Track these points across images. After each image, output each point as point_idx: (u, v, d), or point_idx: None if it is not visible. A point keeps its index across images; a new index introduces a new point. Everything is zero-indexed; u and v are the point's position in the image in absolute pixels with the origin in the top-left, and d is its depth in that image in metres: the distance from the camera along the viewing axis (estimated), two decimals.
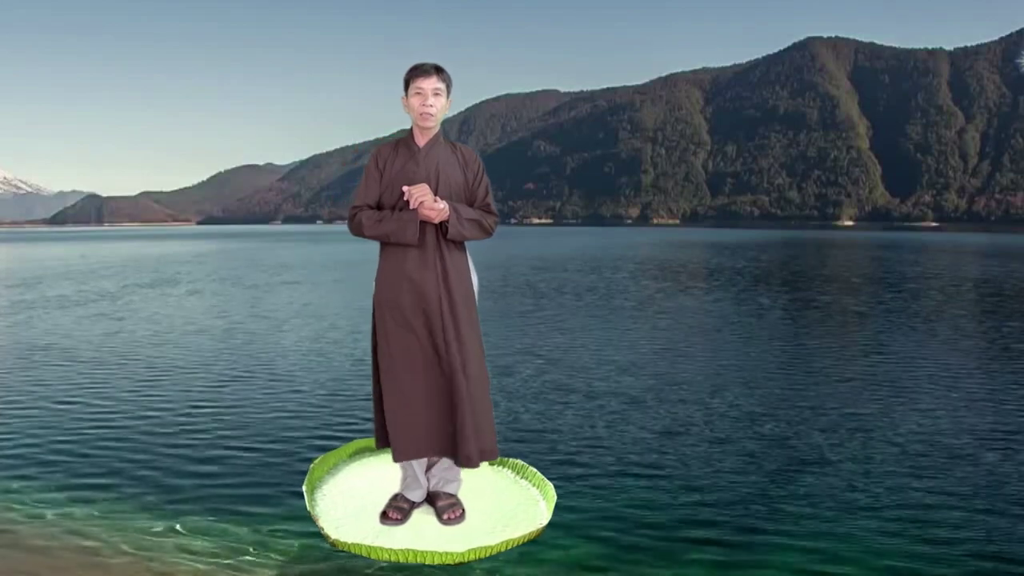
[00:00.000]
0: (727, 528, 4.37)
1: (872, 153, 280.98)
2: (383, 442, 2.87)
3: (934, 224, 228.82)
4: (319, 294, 18.80)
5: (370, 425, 2.77)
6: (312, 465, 3.04)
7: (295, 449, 5.81)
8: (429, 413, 2.73)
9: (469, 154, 2.89)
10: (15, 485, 5.10)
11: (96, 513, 4.63)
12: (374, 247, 2.78)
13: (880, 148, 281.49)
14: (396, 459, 2.77)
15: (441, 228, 2.75)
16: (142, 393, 7.73)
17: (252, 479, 5.21)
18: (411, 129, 2.86)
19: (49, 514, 4.62)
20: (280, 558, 4.05)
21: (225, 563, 4.01)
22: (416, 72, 2.76)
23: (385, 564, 2.80)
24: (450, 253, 2.78)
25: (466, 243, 2.89)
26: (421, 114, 2.76)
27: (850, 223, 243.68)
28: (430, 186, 2.74)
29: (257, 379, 8.46)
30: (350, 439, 3.40)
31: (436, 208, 2.67)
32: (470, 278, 2.87)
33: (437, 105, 2.76)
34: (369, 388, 3.06)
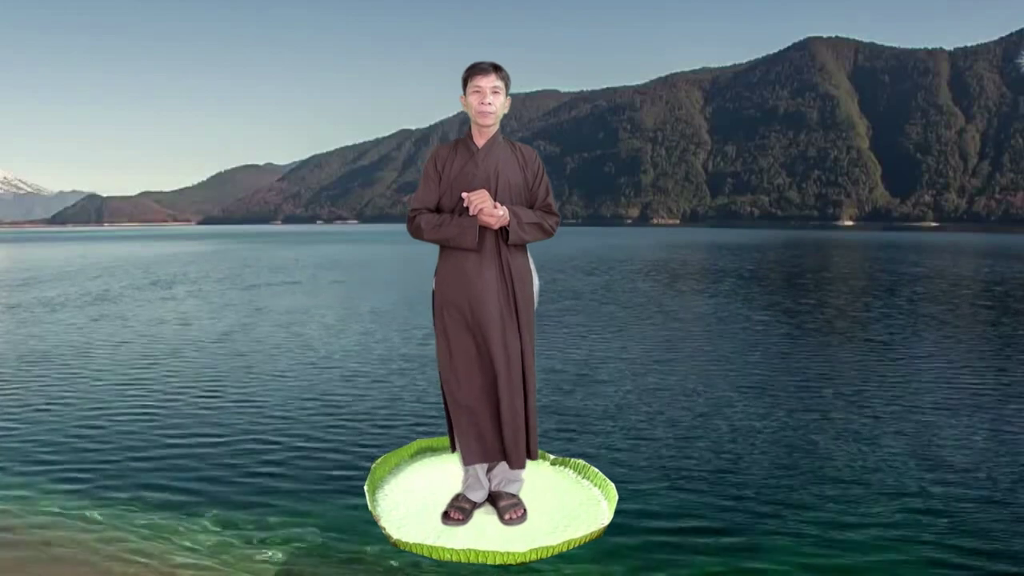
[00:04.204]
0: (788, 529, 4.43)
1: (872, 153, 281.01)
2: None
3: (934, 224, 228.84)
4: (363, 294, 18.88)
5: (431, 425, 2.82)
6: (374, 465, 3.06)
7: (356, 449, 5.89)
8: (493, 417, 2.73)
9: (529, 153, 2.86)
10: (51, 486, 5.14)
11: (146, 517, 4.69)
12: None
13: (880, 148, 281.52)
14: (465, 463, 2.78)
15: (501, 232, 2.73)
16: (199, 396, 7.78)
17: (313, 479, 5.27)
18: (469, 129, 2.84)
19: (102, 522, 4.69)
20: (341, 558, 4.11)
21: (285, 562, 4.07)
22: (474, 70, 2.75)
23: (446, 564, 2.85)
24: (511, 255, 2.77)
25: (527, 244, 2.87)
26: (480, 112, 2.73)
27: (850, 223, 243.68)
28: (489, 187, 2.72)
29: (317, 379, 8.52)
30: (412, 439, 3.45)
31: (495, 215, 2.66)
32: (531, 280, 2.84)
33: (496, 103, 2.75)
34: (429, 388, 2.99)
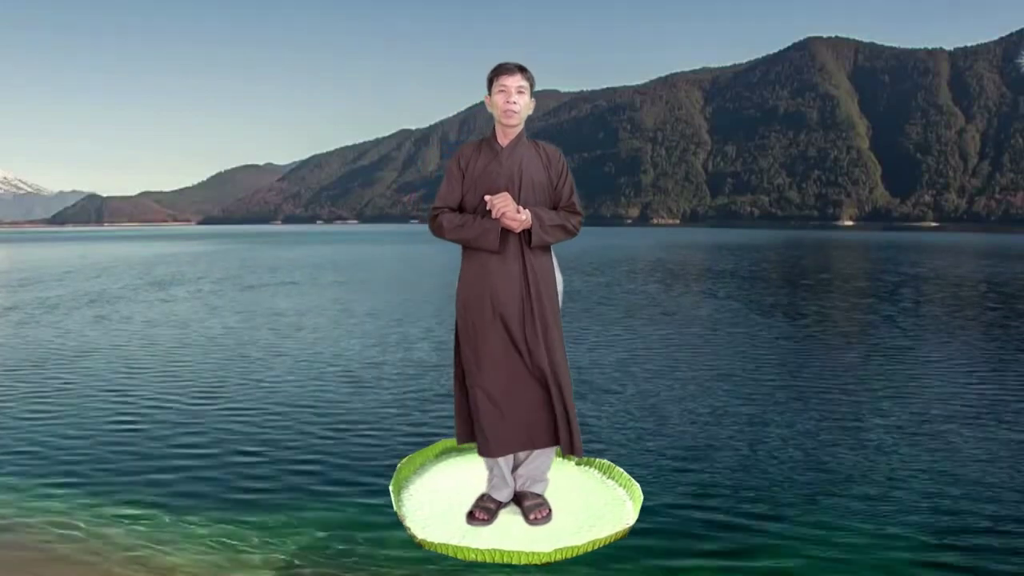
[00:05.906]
0: (812, 530, 4.42)
1: (872, 153, 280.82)
2: (464, 439, 2.89)
3: (934, 224, 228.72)
4: (368, 294, 18.81)
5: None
6: (399, 465, 3.07)
7: (381, 449, 5.89)
8: (513, 412, 2.74)
9: (552, 152, 2.88)
10: (53, 488, 5.13)
11: (148, 518, 4.68)
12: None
13: (880, 148, 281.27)
14: (482, 454, 2.78)
15: (524, 234, 2.75)
16: (206, 397, 7.73)
17: (338, 480, 5.26)
18: (494, 128, 2.88)
19: (104, 523, 4.68)
20: (367, 558, 4.10)
21: (309, 562, 4.07)
22: (500, 70, 2.80)
23: (471, 564, 2.85)
24: (534, 255, 2.79)
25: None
26: (505, 111, 2.77)
27: (850, 223, 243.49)
28: (513, 186, 2.75)
29: (342, 380, 8.50)
30: (436, 439, 3.46)
31: (518, 219, 2.67)
32: (555, 279, 2.86)
33: (520, 103, 2.79)
34: (448, 388, 2.98)
